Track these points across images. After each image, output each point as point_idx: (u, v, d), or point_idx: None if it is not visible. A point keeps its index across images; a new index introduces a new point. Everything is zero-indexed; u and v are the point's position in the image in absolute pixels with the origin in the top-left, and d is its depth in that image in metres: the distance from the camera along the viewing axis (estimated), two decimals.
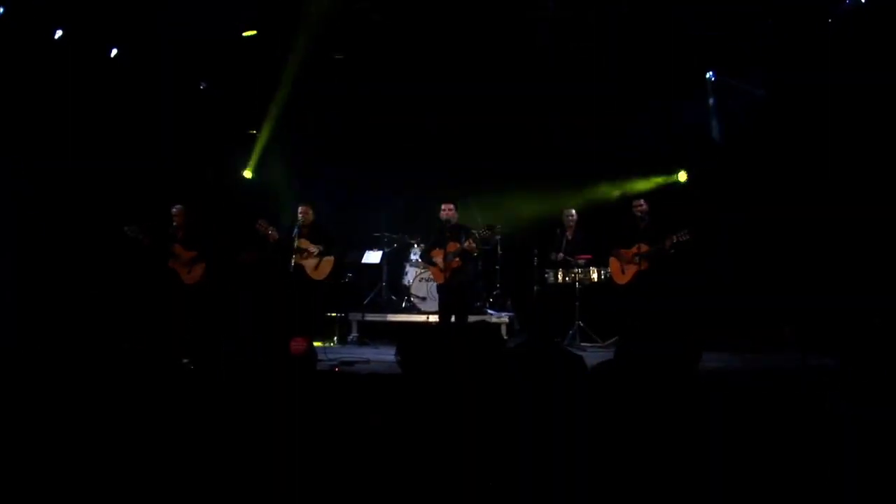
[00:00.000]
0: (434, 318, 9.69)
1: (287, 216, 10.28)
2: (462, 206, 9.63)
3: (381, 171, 11.74)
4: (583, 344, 9.82)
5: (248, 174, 11.55)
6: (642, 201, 9.26)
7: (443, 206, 9.15)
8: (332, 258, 9.73)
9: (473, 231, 9.17)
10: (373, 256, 11.35)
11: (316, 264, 9.67)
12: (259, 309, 9.95)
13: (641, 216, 9.27)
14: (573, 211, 10.47)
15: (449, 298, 9.16)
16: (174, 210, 9.75)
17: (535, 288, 10.53)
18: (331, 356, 8.46)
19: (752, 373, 7.43)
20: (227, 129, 11.41)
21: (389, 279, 11.52)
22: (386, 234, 11.45)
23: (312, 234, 9.73)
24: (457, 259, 8.94)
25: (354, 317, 10.71)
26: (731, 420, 4.09)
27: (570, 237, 10.39)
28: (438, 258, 9.06)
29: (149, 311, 9.39)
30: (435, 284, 9.64)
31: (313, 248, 9.64)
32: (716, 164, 10.40)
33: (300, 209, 9.74)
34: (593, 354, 9.10)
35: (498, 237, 11.11)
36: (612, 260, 9.55)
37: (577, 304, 9.98)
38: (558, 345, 4.90)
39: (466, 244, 8.90)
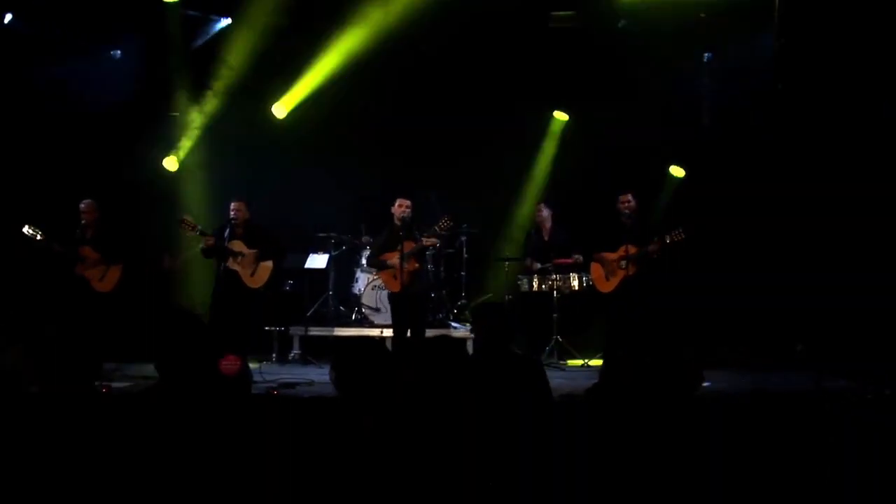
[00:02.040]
0: (389, 332, 9.59)
1: (217, 213, 10.15)
2: (422, 202, 9.57)
3: (328, 159, 11.65)
4: (561, 362, 9.82)
5: (170, 165, 11.40)
6: (630, 196, 9.24)
7: (398, 202, 9.04)
8: (270, 263, 9.62)
9: (434, 227, 9.12)
10: (317, 260, 11.23)
11: (252, 270, 9.54)
12: (183, 322, 9.80)
13: (628, 213, 9.26)
14: (543, 206, 10.45)
15: (404, 309, 9.06)
16: (82, 205, 9.57)
17: (507, 297, 10.51)
18: (268, 377, 8.36)
19: (759, 395, 7.46)
20: (146, 109, 11.24)
21: (337, 287, 11.42)
22: (333, 234, 11.34)
23: (247, 234, 9.61)
24: (413, 260, 8.85)
25: (296, 331, 10.61)
26: (735, 450, 4.09)
27: (546, 238, 10.38)
28: (393, 261, 8.95)
29: (54, 325, 9.21)
30: (388, 292, 9.56)
31: (248, 252, 9.52)
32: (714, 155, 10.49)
33: (232, 205, 9.61)
34: (574, 373, 9.14)
35: (463, 238, 11.07)
36: (595, 265, 9.55)
37: (555, 316, 9.97)
38: (511, 352, 4.90)
39: (425, 238, 8.83)
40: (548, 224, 10.42)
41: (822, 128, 9.78)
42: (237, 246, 9.50)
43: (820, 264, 9.25)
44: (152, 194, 11.14)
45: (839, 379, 7.61)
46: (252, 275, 9.55)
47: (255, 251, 9.53)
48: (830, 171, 9.56)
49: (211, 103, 11.38)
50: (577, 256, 10.02)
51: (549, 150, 11.67)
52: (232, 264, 9.44)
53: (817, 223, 9.32)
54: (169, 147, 11.41)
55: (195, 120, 11.46)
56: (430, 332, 9.40)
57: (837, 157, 9.68)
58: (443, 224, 8.83)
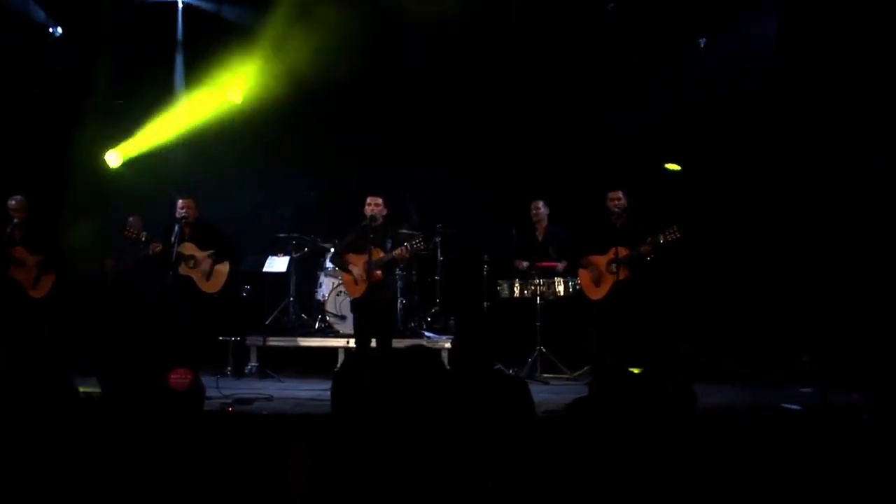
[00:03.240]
0: (354, 343, 9.56)
1: (163, 212, 10.09)
2: (394, 201, 9.54)
3: (290, 152, 11.60)
4: (545, 375, 9.82)
5: (112, 160, 11.33)
6: (620, 193, 9.24)
7: (368, 200, 9.01)
8: (226, 266, 9.56)
9: (409, 236, 9.09)
10: (277, 264, 11.20)
11: (207, 273, 9.48)
12: (130, 332, 9.75)
13: (618, 212, 9.27)
14: (541, 203, 10.46)
15: (367, 317, 9.03)
16: (12, 202, 9.46)
17: (486, 304, 10.51)
18: (223, 392, 8.33)
19: (762, 411, 7.49)
20: (85, 96, 11.17)
21: (298, 293, 11.38)
22: (294, 234, 11.31)
23: (197, 234, 9.53)
24: (379, 272, 8.83)
25: (254, 341, 10.55)
26: (735, 470, 4.11)
27: (540, 238, 10.41)
28: (357, 266, 8.93)
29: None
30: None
31: (202, 254, 9.45)
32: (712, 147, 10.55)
33: (180, 203, 9.51)
34: (559, 389, 9.15)
35: (437, 238, 11.05)
36: (582, 270, 9.54)
37: (538, 324, 9.98)
38: (496, 369, 4.90)
39: (397, 252, 8.80)
40: (544, 223, 10.44)
41: (828, 118, 9.84)
42: (189, 249, 9.42)
43: (829, 267, 9.32)
44: (92, 192, 11.05)
45: (849, 392, 7.65)
46: (208, 279, 9.50)
47: (209, 253, 9.47)
48: (837, 163, 9.65)
49: (157, 90, 11.34)
50: (561, 265, 10.05)
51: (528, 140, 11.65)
52: (185, 270, 9.36)
53: (825, 222, 9.39)
54: (111, 140, 11.34)
55: (140, 110, 11.40)
56: (403, 343, 9.40)
57: (844, 148, 9.76)
58: (416, 244, 8.80)
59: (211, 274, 9.51)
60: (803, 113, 10.03)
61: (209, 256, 9.48)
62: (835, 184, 9.73)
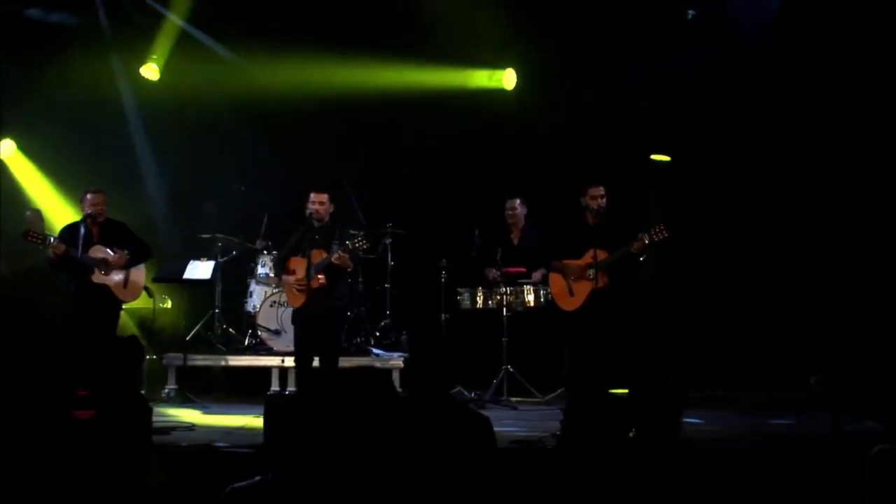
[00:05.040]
0: (290, 361, 9.50)
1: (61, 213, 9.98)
2: (337, 196, 9.50)
3: (214, 139, 11.52)
4: (513, 399, 9.80)
5: (5, 150, 11.26)
6: (601, 189, 9.18)
7: (312, 197, 8.92)
8: (143, 269, 9.44)
9: (352, 235, 9.02)
10: (200, 269, 11.07)
11: (124, 279, 9.32)
12: (26, 350, 9.62)
13: (597, 210, 9.21)
14: (518, 202, 10.42)
15: (310, 331, 8.96)
16: None
17: (444, 316, 10.47)
18: None
19: (764, 442, 7.51)
20: None
21: (225, 304, 11.29)
22: (220, 235, 11.21)
23: (107, 235, 9.38)
24: (321, 277, 8.74)
25: (172, 360, 10.47)
26: None
27: (515, 242, 10.38)
28: (299, 270, 8.84)
29: None
30: (290, 310, 9.46)
31: (115, 258, 9.30)
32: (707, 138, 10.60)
33: (90, 197, 9.32)
34: (529, 414, 9.14)
35: (388, 241, 11.00)
36: (554, 277, 9.49)
37: (504, 340, 9.95)
38: (456, 400, 4.86)
39: (335, 256, 8.72)
40: (521, 224, 10.41)
41: (836, 103, 9.93)
42: (100, 252, 9.26)
43: (839, 272, 9.39)
44: None
45: (864, 419, 7.69)
46: (125, 286, 9.35)
47: (124, 255, 9.31)
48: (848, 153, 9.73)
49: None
50: (538, 273, 10.01)
51: (497, 127, 11.60)
52: (98, 276, 9.20)
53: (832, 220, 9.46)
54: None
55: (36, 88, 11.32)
56: (348, 362, 9.36)
57: (856, 136, 9.85)
58: (357, 244, 8.73)
59: (128, 280, 9.36)
60: (808, 102, 10.10)
61: (125, 259, 9.32)
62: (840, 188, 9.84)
